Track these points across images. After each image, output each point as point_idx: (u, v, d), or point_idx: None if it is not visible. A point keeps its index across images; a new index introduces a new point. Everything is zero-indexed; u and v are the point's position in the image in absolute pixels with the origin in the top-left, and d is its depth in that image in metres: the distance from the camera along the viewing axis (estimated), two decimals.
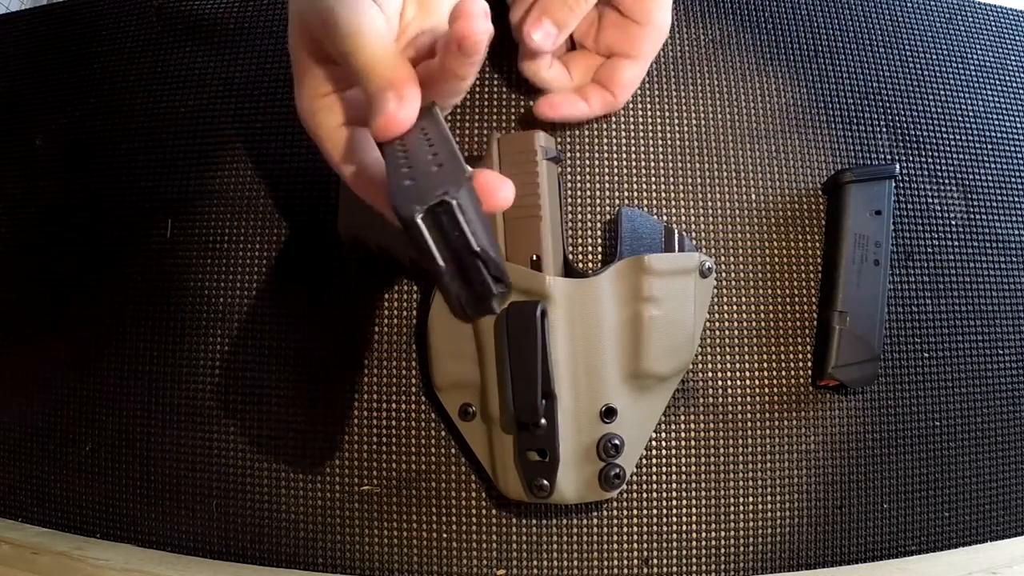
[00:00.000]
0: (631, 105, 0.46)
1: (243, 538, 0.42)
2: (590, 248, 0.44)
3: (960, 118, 0.48)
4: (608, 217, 0.44)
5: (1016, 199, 0.47)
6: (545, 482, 0.37)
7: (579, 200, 0.45)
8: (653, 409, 0.40)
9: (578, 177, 0.45)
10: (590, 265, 0.44)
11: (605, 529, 0.41)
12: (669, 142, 0.46)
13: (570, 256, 0.41)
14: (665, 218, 0.44)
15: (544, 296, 0.37)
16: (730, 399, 0.43)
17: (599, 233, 0.44)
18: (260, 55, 0.49)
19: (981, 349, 0.45)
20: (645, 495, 0.41)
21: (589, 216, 0.44)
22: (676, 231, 0.41)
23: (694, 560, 0.41)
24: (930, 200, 0.47)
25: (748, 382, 0.43)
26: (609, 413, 0.38)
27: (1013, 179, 0.48)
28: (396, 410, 0.42)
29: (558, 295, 0.37)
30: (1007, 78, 0.50)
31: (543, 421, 0.36)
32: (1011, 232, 0.47)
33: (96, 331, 0.46)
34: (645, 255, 0.38)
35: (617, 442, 0.37)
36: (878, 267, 0.42)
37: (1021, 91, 0.50)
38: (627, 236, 0.40)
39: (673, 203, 0.45)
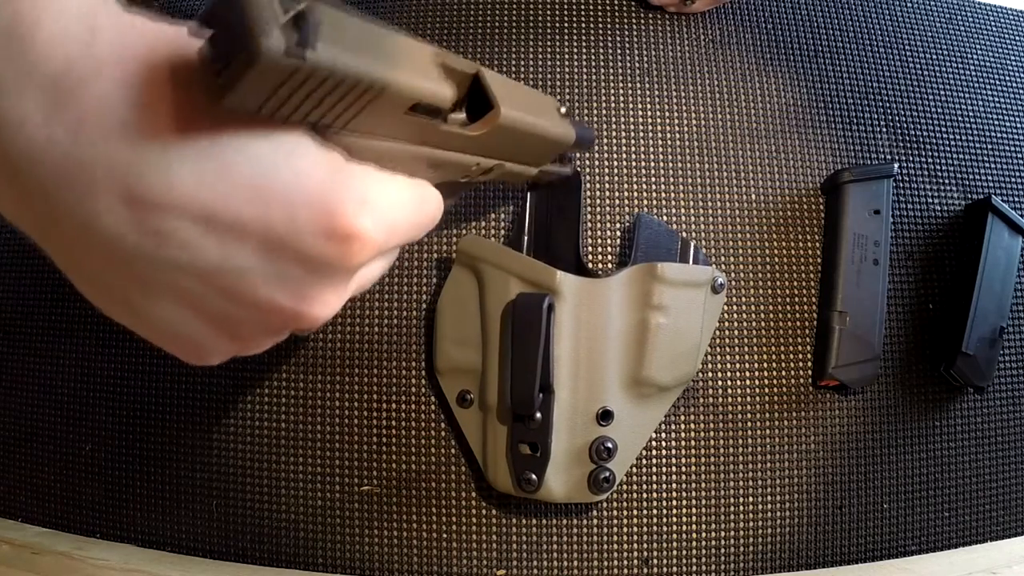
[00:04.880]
0: (631, 104, 0.46)
1: (243, 538, 0.42)
2: (603, 250, 0.44)
3: (960, 118, 0.48)
4: (609, 217, 0.44)
5: (1016, 198, 0.47)
6: (534, 476, 0.37)
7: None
8: (650, 418, 0.39)
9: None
10: (601, 267, 0.44)
11: (605, 529, 0.41)
12: (668, 142, 0.46)
13: (584, 256, 0.41)
14: (665, 218, 0.45)
15: (554, 291, 0.37)
16: (730, 399, 0.43)
17: (608, 236, 0.44)
18: None
19: None
20: (645, 495, 0.41)
21: (589, 216, 0.44)
22: (692, 244, 0.41)
23: (694, 560, 0.41)
24: (930, 200, 0.47)
25: (748, 382, 0.43)
26: (605, 416, 0.37)
27: (1013, 179, 0.48)
28: (396, 410, 0.42)
29: (568, 292, 0.37)
30: (1007, 78, 0.50)
31: (538, 415, 0.36)
32: None
33: (96, 331, 0.46)
34: (658, 263, 0.38)
35: (610, 445, 0.37)
36: (877, 267, 0.42)
37: (1021, 91, 0.50)
38: (643, 243, 0.40)
39: (673, 203, 0.45)
